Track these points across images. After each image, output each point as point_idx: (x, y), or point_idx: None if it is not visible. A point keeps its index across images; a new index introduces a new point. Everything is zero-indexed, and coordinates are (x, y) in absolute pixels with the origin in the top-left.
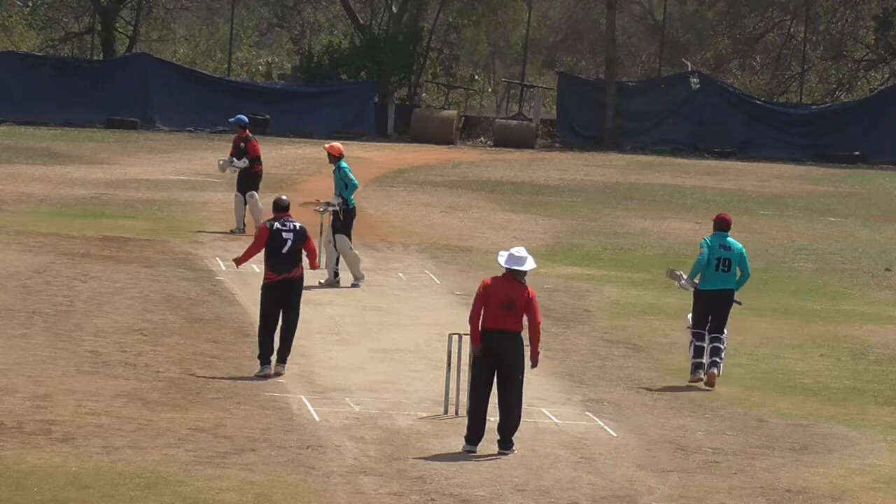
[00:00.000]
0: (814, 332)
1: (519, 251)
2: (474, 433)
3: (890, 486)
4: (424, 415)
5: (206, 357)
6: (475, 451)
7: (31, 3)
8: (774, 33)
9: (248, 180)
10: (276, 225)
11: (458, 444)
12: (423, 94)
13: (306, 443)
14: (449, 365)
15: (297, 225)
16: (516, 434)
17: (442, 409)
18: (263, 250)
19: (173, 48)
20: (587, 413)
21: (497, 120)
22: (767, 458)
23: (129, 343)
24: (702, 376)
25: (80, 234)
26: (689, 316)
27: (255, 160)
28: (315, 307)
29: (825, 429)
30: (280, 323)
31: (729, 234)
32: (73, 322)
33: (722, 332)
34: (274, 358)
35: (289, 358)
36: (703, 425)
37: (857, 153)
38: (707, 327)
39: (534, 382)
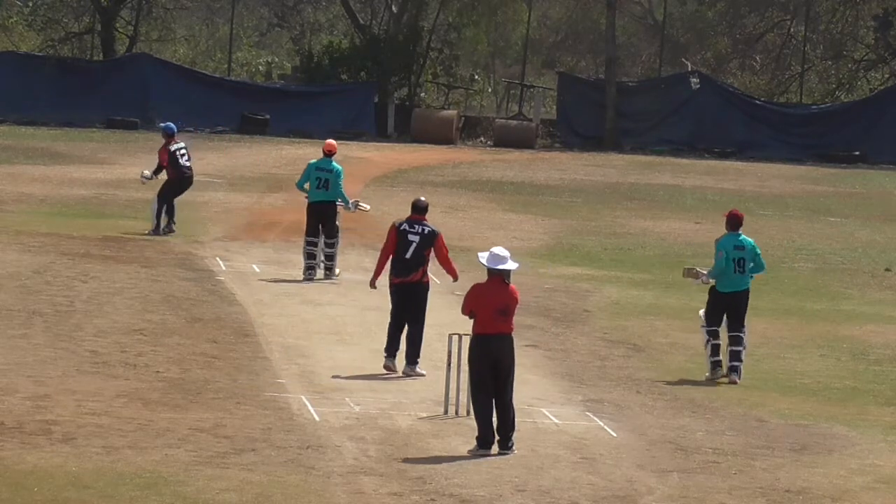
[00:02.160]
0: (814, 332)
1: (500, 250)
2: (487, 438)
3: (890, 486)
4: (424, 415)
5: (206, 357)
6: (490, 454)
7: (31, 4)
8: (774, 33)
9: (161, 186)
10: (405, 226)
11: (459, 444)
12: (423, 94)
13: (306, 443)
14: (449, 365)
15: (427, 228)
16: (515, 434)
17: (442, 409)
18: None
19: (173, 48)
20: (587, 413)
21: (497, 120)
22: (767, 458)
23: (129, 343)
24: (721, 374)
25: (80, 234)
26: (702, 313)
27: (162, 168)
28: (315, 307)
29: (825, 429)
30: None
31: (741, 231)
32: (73, 322)
33: (742, 329)
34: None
35: (419, 360)
36: (703, 425)
37: (857, 153)
38: (727, 325)
39: (534, 382)
